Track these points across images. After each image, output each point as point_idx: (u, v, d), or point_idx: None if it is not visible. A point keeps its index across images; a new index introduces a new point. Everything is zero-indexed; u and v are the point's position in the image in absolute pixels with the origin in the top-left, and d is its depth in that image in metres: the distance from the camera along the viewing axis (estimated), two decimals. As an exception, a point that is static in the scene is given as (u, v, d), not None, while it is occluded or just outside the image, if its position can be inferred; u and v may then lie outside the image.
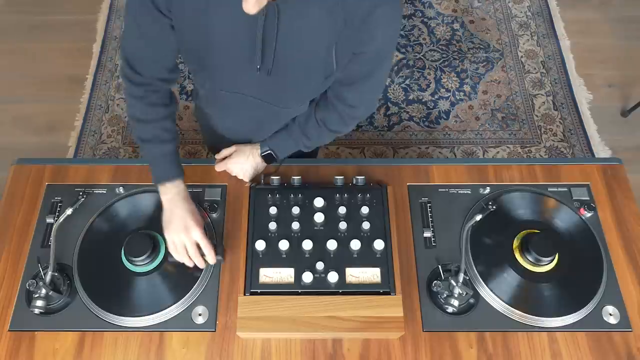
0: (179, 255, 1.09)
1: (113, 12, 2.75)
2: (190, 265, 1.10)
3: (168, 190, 1.11)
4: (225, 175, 1.27)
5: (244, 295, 1.05)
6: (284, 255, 1.09)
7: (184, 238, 1.07)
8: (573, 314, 1.09)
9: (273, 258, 1.09)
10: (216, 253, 1.10)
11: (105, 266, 1.13)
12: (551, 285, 1.12)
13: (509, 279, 1.12)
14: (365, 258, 1.09)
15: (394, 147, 2.34)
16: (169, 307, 1.09)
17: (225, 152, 1.29)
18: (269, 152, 1.24)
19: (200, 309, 1.10)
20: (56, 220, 1.13)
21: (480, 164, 1.31)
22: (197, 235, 1.08)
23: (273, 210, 1.14)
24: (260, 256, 1.09)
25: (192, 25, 0.94)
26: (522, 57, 2.60)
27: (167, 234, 1.09)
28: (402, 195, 1.25)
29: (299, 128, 1.20)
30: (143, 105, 1.08)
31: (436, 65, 2.57)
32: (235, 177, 1.26)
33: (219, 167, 1.28)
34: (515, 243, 1.15)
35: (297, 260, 1.09)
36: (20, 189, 1.26)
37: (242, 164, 1.25)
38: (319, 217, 1.12)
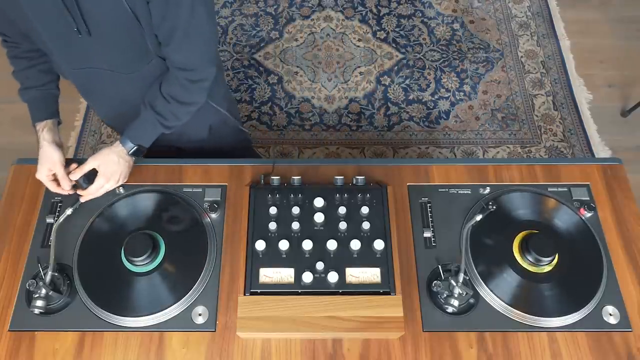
0: (49, 186, 1.20)
1: (113, 12, 2.74)
2: (62, 192, 1.20)
3: (38, 131, 1.21)
4: (225, 175, 1.27)
5: (244, 295, 1.05)
6: (284, 255, 1.09)
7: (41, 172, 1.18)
8: (573, 314, 1.09)
9: (273, 258, 1.09)
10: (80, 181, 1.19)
11: (105, 266, 1.13)
12: (551, 285, 1.12)
13: (509, 279, 1.12)
14: (365, 258, 1.09)
15: (394, 147, 2.34)
16: (169, 307, 1.09)
17: (85, 168, 1.17)
18: (135, 147, 1.18)
19: (200, 309, 1.10)
20: (56, 220, 1.13)
21: (480, 164, 1.31)
22: (44, 171, 1.18)
23: (273, 210, 1.14)
24: (260, 256, 1.09)
25: None
26: (522, 57, 2.60)
27: None
28: (402, 195, 1.25)
29: (151, 110, 1.16)
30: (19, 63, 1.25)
31: (436, 65, 2.57)
32: (236, 177, 1.26)
33: (87, 197, 1.19)
34: (515, 243, 1.15)
35: (297, 260, 1.09)
36: (20, 189, 1.26)
37: (116, 171, 1.18)
38: (319, 217, 1.12)
